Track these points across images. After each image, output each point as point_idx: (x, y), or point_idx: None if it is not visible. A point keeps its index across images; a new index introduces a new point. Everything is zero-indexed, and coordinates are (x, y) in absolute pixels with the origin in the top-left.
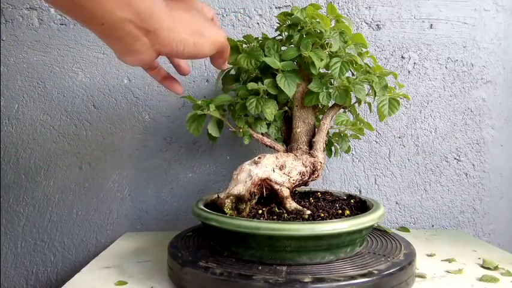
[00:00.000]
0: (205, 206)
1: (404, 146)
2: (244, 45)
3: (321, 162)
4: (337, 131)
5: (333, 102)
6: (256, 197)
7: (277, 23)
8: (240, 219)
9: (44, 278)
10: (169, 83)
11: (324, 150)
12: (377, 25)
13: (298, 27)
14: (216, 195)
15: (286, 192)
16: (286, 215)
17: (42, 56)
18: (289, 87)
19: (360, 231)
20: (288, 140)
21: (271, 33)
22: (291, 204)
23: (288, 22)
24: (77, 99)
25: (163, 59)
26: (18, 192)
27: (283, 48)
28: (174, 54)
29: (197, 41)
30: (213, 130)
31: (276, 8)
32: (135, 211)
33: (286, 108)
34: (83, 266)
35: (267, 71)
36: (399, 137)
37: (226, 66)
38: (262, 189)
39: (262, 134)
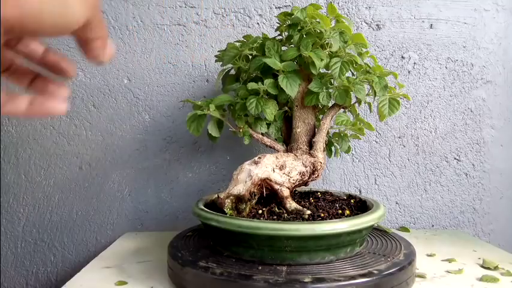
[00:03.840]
0: (205, 206)
1: (404, 146)
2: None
3: (321, 162)
4: (337, 131)
5: (333, 102)
6: (256, 197)
7: (277, 23)
8: (240, 219)
9: (44, 278)
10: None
11: (324, 150)
12: (377, 25)
13: (298, 27)
14: (216, 195)
15: (286, 192)
16: (286, 215)
17: None
18: (291, 87)
19: (359, 231)
20: (288, 140)
21: (271, 33)
22: (291, 204)
23: (288, 22)
24: (77, 99)
25: None
26: (18, 192)
27: (283, 48)
28: (37, 13)
29: None
30: (213, 130)
31: (276, 8)
32: (135, 211)
33: (286, 108)
34: (83, 266)
35: (268, 72)
36: (399, 137)
37: (110, 53)
38: (262, 189)
39: (262, 134)
